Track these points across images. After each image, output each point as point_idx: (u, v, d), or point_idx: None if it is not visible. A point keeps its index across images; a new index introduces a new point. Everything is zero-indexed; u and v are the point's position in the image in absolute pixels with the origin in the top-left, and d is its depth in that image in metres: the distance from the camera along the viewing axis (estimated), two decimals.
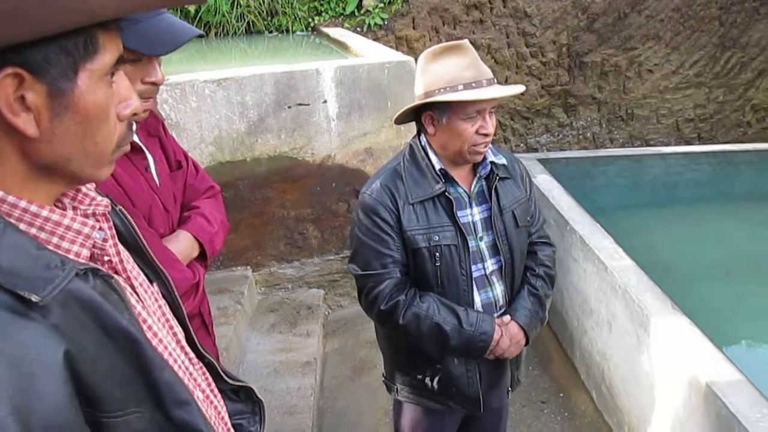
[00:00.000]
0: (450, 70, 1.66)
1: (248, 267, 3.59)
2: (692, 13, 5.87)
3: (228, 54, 4.85)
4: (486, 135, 1.69)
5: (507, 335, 1.80)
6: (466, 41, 1.71)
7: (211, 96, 3.18)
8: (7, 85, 0.65)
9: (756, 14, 5.96)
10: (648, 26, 5.83)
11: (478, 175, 1.80)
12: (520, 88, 1.75)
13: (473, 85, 1.64)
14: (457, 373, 1.86)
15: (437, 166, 1.76)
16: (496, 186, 1.80)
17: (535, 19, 5.60)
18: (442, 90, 1.66)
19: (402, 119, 1.85)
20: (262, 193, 3.45)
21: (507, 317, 1.82)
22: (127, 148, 0.81)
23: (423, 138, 1.81)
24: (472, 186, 1.81)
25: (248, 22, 5.40)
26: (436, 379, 1.88)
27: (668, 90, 6.10)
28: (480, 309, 1.81)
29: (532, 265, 1.92)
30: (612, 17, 5.75)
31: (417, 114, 1.79)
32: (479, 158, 1.76)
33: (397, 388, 2.00)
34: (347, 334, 3.62)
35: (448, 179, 1.77)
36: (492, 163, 1.80)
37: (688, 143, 6.25)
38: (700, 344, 2.29)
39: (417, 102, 1.73)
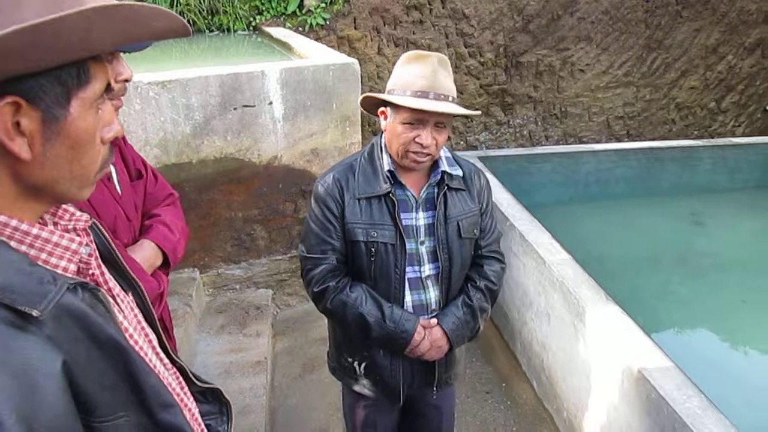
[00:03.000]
0: (408, 76, 1.72)
1: (195, 269, 3.57)
2: (620, 16, 6.13)
3: (168, 53, 4.78)
4: (422, 146, 1.73)
5: (429, 339, 1.87)
6: (436, 55, 1.74)
7: (156, 98, 3.15)
8: (5, 112, 0.69)
9: (679, 17, 6.29)
10: (579, 28, 6.07)
11: (429, 182, 1.87)
12: (459, 110, 1.73)
13: (419, 94, 1.69)
14: (381, 363, 1.96)
15: (386, 168, 1.82)
16: (445, 195, 1.86)
17: (473, 20, 5.74)
18: (396, 91, 1.73)
19: (367, 106, 1.90)
20: (209, 194, 3.44)
21: (434, 321, 1.89)
22: (108, 168, 0.86)
23: (383, 138, 1.88)
24: (422, 191, 1.87)
25: (188, 21, 5.32)
26: (363, 365, 1.99)
27: (599, 89, 6.37)
28: (410, 309, 1.89)
29: (474, 277, 1.98)
30: (546, 19, 5.95)
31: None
32: (416, 166, 1.80)
33: (335, 368, 2.12)
34: (296, 333, 3.66)
35: (397, 181, 1.84)
36: (444, 172, 1.86)
37: (618, 140, 6.54)
38: (632, 332, 2.45)
39: (368, 93, 1.83)
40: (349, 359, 2.01)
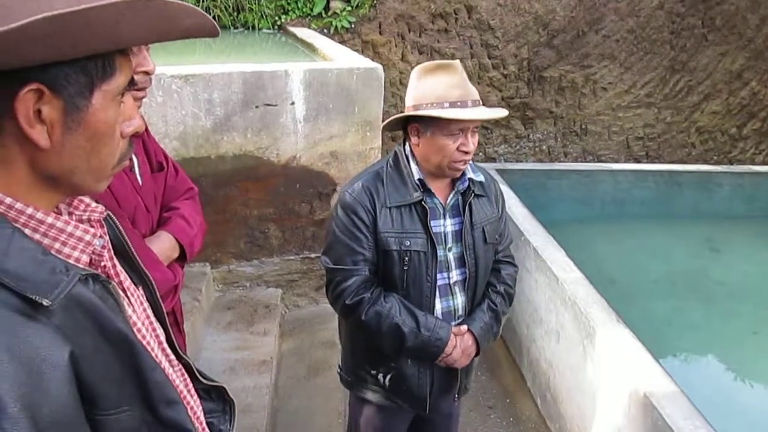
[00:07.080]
0: (439, 87, 1.73)
1: (207, 264, 3.58)
2: (645, 36, 6.10)
3: (192, 48, 4.80)
4: (466, 152, 1.76)
5: (461, 346, 1.88)
6: (457, 62, 1.78)
7: (178, 92, 3.17)
8: (28, 99, 0.69)
9: (704, 40, 6.24)
10: (604, 45, 6.04)
11: (456, 189, 1.88)
12: (502, 113, 1.83)
13: (458, 104, 1.71)
14: (409, 373, 1.94)
15: (416, 176, 1.83)
16: (470, 202, 1.88)
17: (498, 32, 5.73)
18: (429, 105, 1.73)
19: (390, 127, 1.92)
20: (225, 190, 3.45)
21: (464, 327, 1.90)
22: (126, 163, 0.85)
23: (408, 147, 1.88)
24: (449, 199, 1.89)
25: (214, 17, 5.35)
26: (388, 377, 1.97)
27: (620, 108, 6.33)
28: (440, 316, 1.89)
29: (494, 282, 2.01)
30: (571, 35, 5.93)
31: (405, 123, 1.86)
32: (457, 174, 1.83)
33: (351, 382, 2.09)
34: (303, 334, 3.66)
35: (426, 189, 1.84)
36: (470, 179, 1.88)
37: (637, 161, 6.50)
38: (641, 356, 2.42)
39: (406, 113, 1.81)
40: (372, 371, 1.99)
